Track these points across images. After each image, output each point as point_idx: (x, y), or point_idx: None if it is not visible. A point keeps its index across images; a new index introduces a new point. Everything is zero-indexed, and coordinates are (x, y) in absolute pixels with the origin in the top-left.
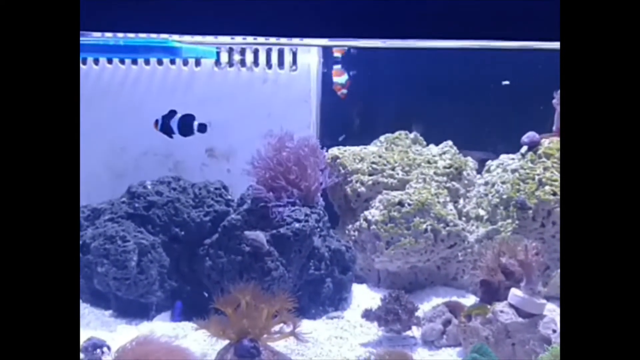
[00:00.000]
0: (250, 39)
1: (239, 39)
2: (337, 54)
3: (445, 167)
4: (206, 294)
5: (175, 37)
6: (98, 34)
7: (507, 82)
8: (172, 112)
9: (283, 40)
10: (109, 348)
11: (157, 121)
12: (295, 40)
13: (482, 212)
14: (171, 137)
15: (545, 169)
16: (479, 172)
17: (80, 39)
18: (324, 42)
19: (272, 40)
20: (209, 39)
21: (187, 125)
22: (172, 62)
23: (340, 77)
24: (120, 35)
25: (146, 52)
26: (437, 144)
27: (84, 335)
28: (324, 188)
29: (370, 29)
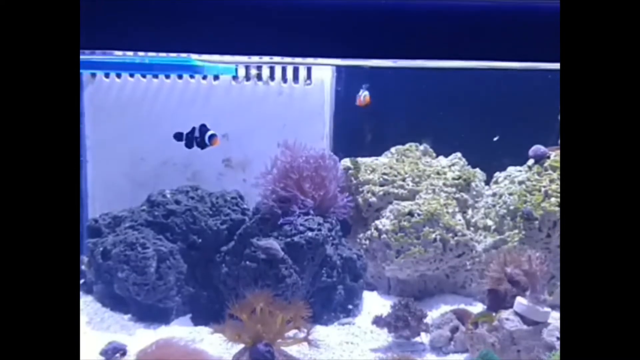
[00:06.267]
0: (266, 58)
1: (255, 57)
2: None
3: (454, 179)
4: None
5: (194, 55)
6: (120, 53)
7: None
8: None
9: (297, 59)
10: (125, 353)
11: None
12: (309, 60)
13: (489, 223)
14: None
15: (551, 181)
16: (487, 183)
17: (104, 57)
18: (337, 61)
19: (287, 59)
20: (227, 57)
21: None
22: (192, 76)
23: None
24: (141, 54)
25: (171, 71)
26: (446, 156)
27: (104, 339)
28: (342, 206)
29: (381, 50)
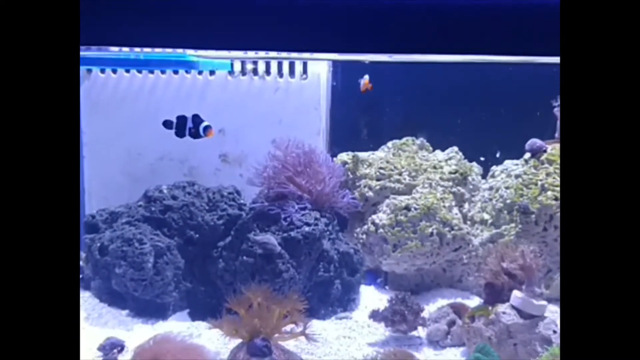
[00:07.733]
0: (262, 53)
1: (251, 52)
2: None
3: (450, 173)
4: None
5: (190, 51)
6: (116, 49)
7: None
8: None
9: (294, 54)
10: (122, 348)
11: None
12: (306, 55)
13: (486, 216)
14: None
15: (548, 174)
16: (483, 177)
17: (100, 52)
18: (333, 56)
19: (284, 54)
20: (222, 52)
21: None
22: (187, 71)
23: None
24: (137, 49)
25: (166, 66)
26: (443, 150)
27: (102, 334)
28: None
29: (377, 44)
